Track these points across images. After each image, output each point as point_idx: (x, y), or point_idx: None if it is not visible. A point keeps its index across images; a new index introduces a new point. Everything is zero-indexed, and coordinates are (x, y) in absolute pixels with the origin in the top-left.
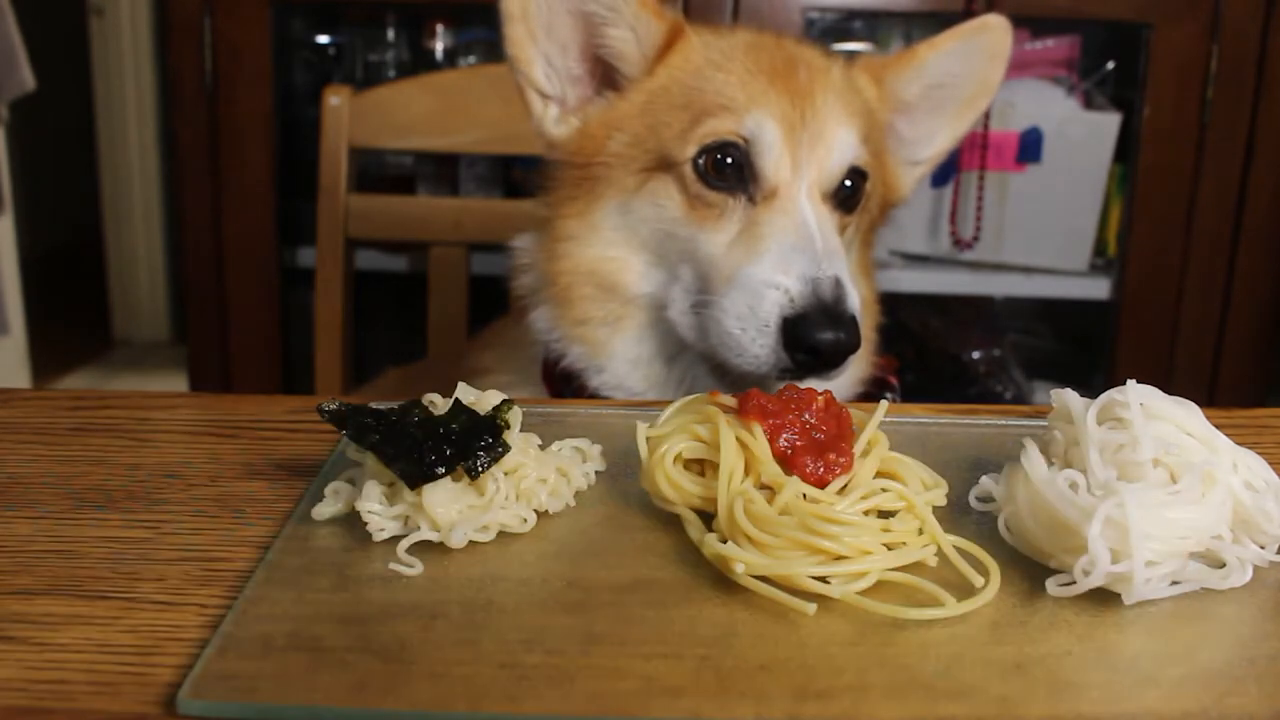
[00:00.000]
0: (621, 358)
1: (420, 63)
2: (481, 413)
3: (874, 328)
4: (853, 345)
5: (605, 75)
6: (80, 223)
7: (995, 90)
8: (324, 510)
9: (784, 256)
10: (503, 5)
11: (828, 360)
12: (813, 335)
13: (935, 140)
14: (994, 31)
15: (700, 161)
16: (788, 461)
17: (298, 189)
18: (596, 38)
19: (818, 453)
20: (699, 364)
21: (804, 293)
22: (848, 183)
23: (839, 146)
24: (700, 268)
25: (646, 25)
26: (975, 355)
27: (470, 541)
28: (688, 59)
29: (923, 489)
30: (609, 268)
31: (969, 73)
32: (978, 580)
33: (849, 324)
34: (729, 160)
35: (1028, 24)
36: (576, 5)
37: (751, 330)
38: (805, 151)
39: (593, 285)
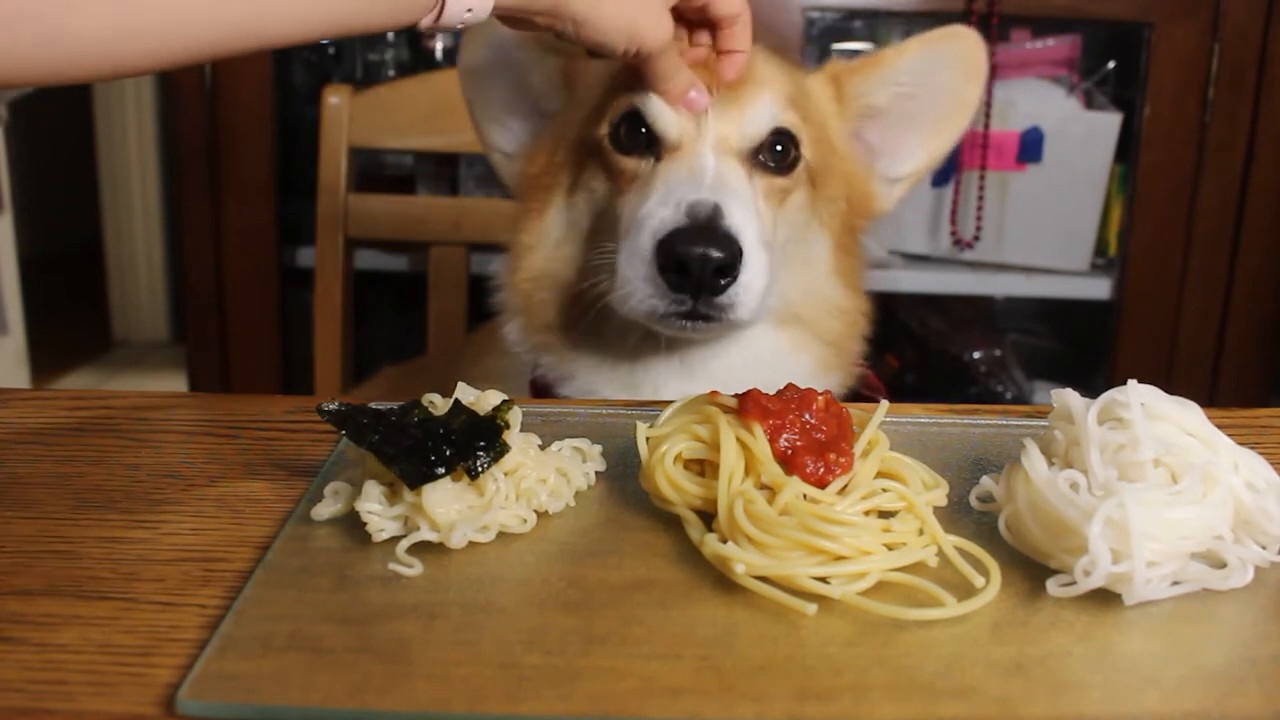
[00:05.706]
0: (585, 362)
1: (420, 62)
2: (481, 413)
3: (858, 337)
4: (725, 261)
5: (542, 112)
6: (80, 223)
7: (972, 110)
8: (324, 510)
9: (670, 191)
10: (464, 95)
11: (699, 279)
12: (676, 248)
13: (912, 158)
14: (964, 41)
15: (614, 134)
16: (788, 461)
17: (298, 189)
18: (525, 87)
19: (818, 453)
20: (662, 359)
21: (678, 216)
22: (778, 147)
23: (751, 105)
24: (616, 232)
25: (548, 62)
26: (975, 355)
27: (470, 541)
28: (599, 65)
29: (923, 489)
30: (558, 266)
31: (941, 85)
32: (978, 580)
33: (721, 239)
34: (637, 129)
35: (1028, 24)
36: (505, 72)
37: (636, 262)
38: (712, 111)
39: (547, 288)
